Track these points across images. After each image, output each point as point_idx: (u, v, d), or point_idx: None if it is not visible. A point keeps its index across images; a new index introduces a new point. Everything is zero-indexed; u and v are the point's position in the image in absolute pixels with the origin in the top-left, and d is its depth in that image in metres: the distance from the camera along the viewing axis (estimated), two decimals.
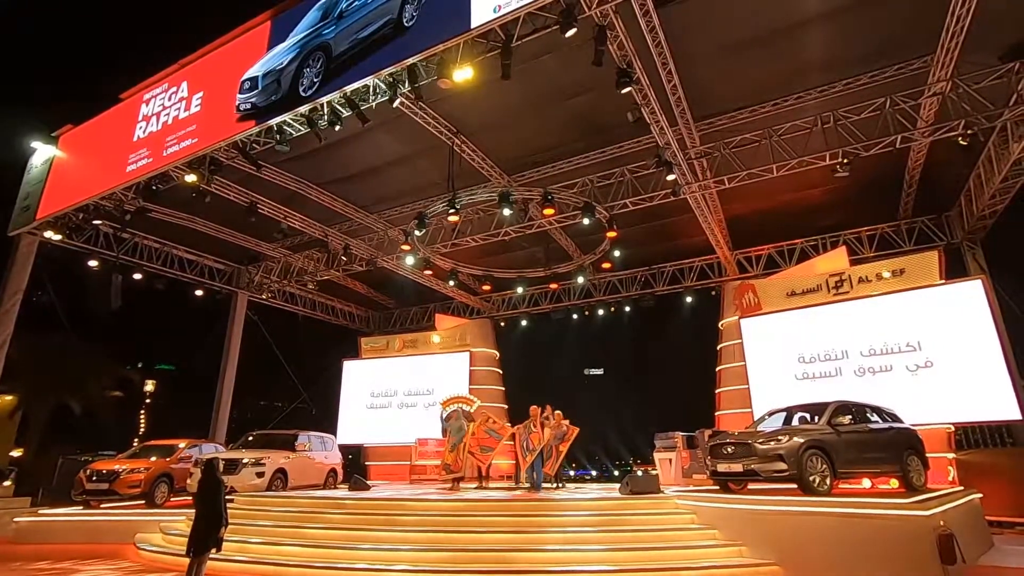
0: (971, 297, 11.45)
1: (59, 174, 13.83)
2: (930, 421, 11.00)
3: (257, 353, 20.30)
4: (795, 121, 11.23)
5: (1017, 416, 10.65)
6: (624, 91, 9.04)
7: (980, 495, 8.98)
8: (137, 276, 15.89)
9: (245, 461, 11.38)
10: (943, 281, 11.91)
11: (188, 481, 11.21)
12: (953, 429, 11.52)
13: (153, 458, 11.96)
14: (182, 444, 12.55)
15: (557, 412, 11.52)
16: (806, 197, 13.91)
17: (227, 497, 7.42)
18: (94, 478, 11.24)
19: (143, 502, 11.37)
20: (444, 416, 13.88)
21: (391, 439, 18.13)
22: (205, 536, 6.58)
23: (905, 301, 12.06)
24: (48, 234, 13.60)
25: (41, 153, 14.38)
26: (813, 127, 11.04)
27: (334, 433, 17.13)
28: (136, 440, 24.09)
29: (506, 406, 18.89)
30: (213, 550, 6.69)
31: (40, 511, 11.81)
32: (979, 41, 9.16)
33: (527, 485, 11.80)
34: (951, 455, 11.25)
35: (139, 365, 31.28)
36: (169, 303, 19.17)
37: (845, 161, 10.74)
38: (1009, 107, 9.74)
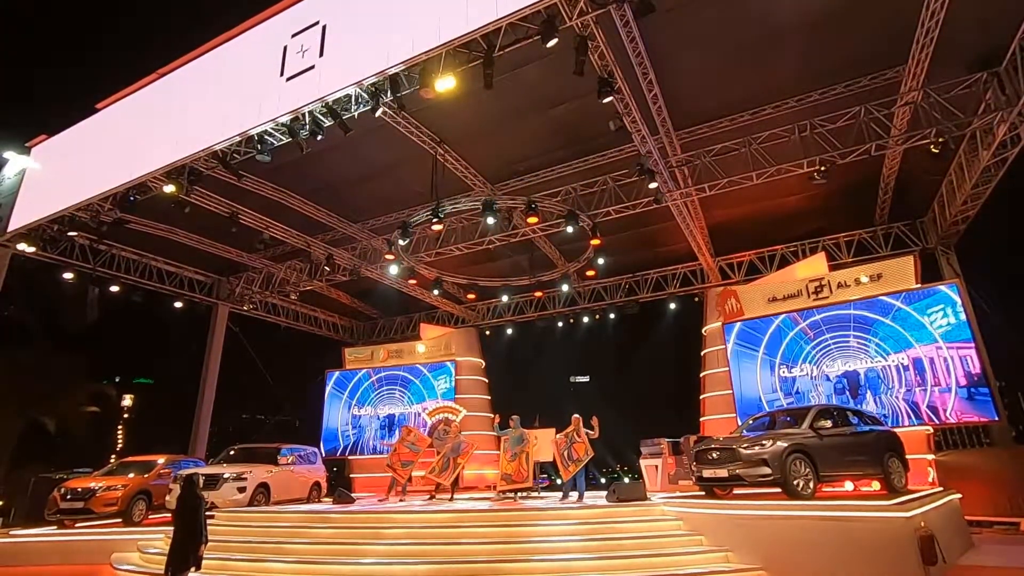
0: (946, 300, 11.71)
1: (32, 185, 13.56)
2: (910, 423, 11.21)
3: (238, 366, 19.98)
4: (773, 130, 11.44)
5: (993, 417, 10.89)
6: (605, 101, 9.15)
7: (959, 496, 9.14)
8: (114, 288, 15.57)
9: (226, 476, 11.17)
10: (919, 285, 12.17)
11: (167, 498, 10.95)
12: (932, 431, 11.73)
13: (130, 475, 11.67)
14: (160, 460, 12.28)
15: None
16: (785, 204, 14.15)
17: (207, 513, 7.28)
18: (69, 496, 10.92)
19: (120, 520, 11.07)
20: (430, 427, 13.84)
21: (375, 451, 17.94)
22: (184, 554, 6.45)
23: (883, 305, 12.29)
24: (21, 246, 13.30)
25: (13, 164, 14.09)
26: (791, 135, 11.25)
27: (318, 445, 16.91)
28: (113, 456, 23.54)
29: (492, 415, 18.80)
30: (193, 568, 6.55)
31: (12, 532, 11.43)
32: (948, 52, 9.44)
33: (523, 494, 11.78)
34: (931, 456, 11.45)
35: (116, 379, 30.62)
36: (147, 316, 18.84)
37: (822, 168, 10.96)
38: (978, 115, 10.05)
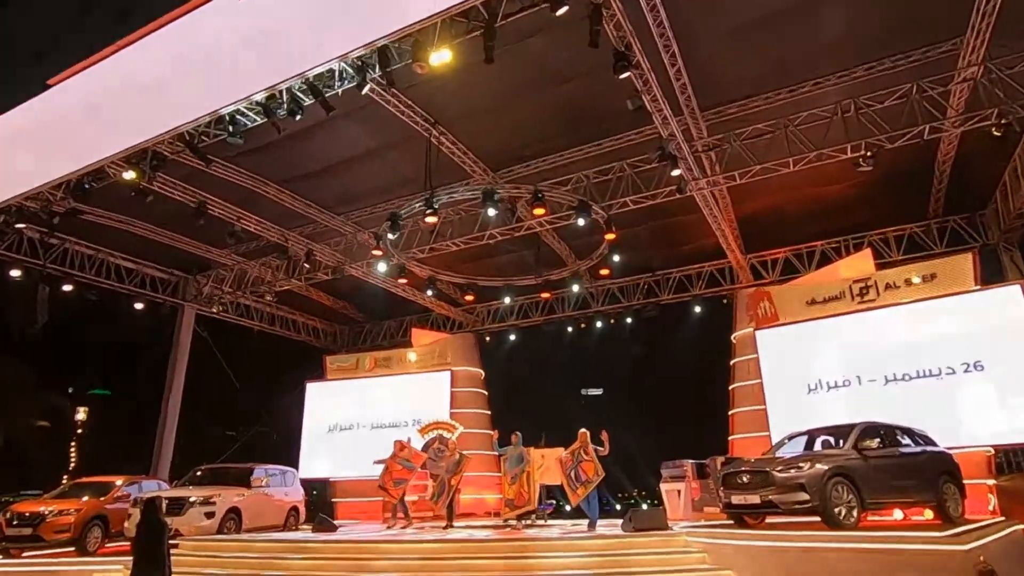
0: (1010, 304, 11.65)
1: None
2: (967, 443, 11.14)
3: (207, 375, 20.06)
4: (813, 110, 11.41)
5: None
6: (622, 76, 9.12)
7: None
8: (67, 287, 15.63)
9: (192, 500, 11.19)
10: (978, 287, 12.11)
11: (126, 524, 10.97)
12: (993, 452, 11.67)
13: (85, 498, 11.71)
14: (119, 481, 12.33)
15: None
16: (826, 194, 14.11)
17: (171, 542, 7.31)
18: (15, 522, 10.95)
19: (73, 549, 11.11)
20: (423, 445, 13.87)
21: (361, 472, 17.93)
22: None
23: (937, 309, 12.24)
24: None
25: None
26: (833, 116, 11.23)
27: (295, 466, 16.95)
28: (66, 477, 23.67)
29: (492, 432, 18.80)
30: None
31: None
32: (1014, 22, 9.37)
33: (527, 521, 11.82)
34: (991, 481, 11.39)
35: (69, 390, 30.80)
36: (105, 318, 18.93)
37: (868, 154, 10.92)
38: None
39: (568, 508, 12.06)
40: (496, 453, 12.78)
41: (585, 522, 10.91)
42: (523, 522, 11.87)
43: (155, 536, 6.78)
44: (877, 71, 10.81)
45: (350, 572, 8.54)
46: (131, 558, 6.79)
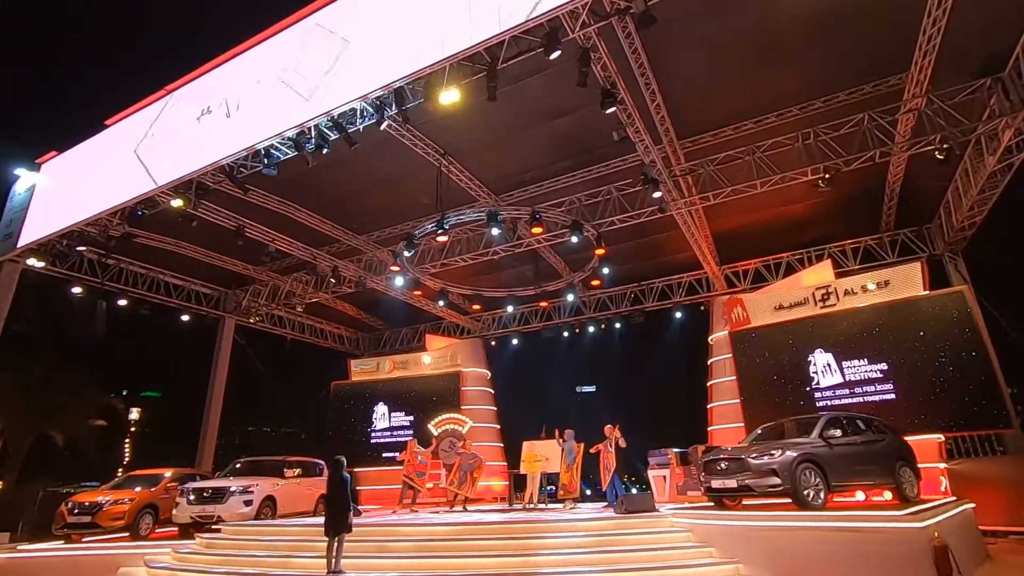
0: (955, 307, 11.61)
1: (42, 201, 13.71)
2: (921, 432, 11.06)
3: (245, 378, 20.01)
4: (777, 138, 11.44)
5: (1006, 424, 10.73)
6: (609, 111, 9.18)
7: (973, 505, 8.99)
8: (122, 302, 15.67)
9: (232, 489, 11.08)
10: (927, 292, 12.07)
11: (174, 512, 10.93)
12: (943, 439, 11.58)
13: (137, 489, 11.65)
14: (167, 473, 12.26)
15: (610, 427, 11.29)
16: (790, 212, 14.11)
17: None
18: (76, 511, 10.90)
19: (127, 535, 11.04)
20: (433, 439, 13.79)
21: (382, 463, 17.85)
22: (337, 521, 7.62)
23: (891, 311, 12.20)
24: (31, 261, 13.43)
25: (24, 180, 14.27)
26: (795, 143, 11.25)
27: (323, 458, 16.84)
28: (120, 470, 23.54)
29: (498, 426, 18.75)
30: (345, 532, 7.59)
31: (19, 547, 11.42)
32: (951, 59, 9.44)
33: (535, 503, 11.78)
34: (943, 465, 11.28)
35: (124, 393, 30.73)
36: (155, 329, 18.94)
37: (827, 176, 10.94)
38: (983, 121, 10.01)
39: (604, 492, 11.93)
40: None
41: (578, 507, 10.78)
42: (567, 505, 11.70)
43: (340, 487, 7.84)
44: (833, 103, 10.88)
45: (373, 552, 8.46)
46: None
